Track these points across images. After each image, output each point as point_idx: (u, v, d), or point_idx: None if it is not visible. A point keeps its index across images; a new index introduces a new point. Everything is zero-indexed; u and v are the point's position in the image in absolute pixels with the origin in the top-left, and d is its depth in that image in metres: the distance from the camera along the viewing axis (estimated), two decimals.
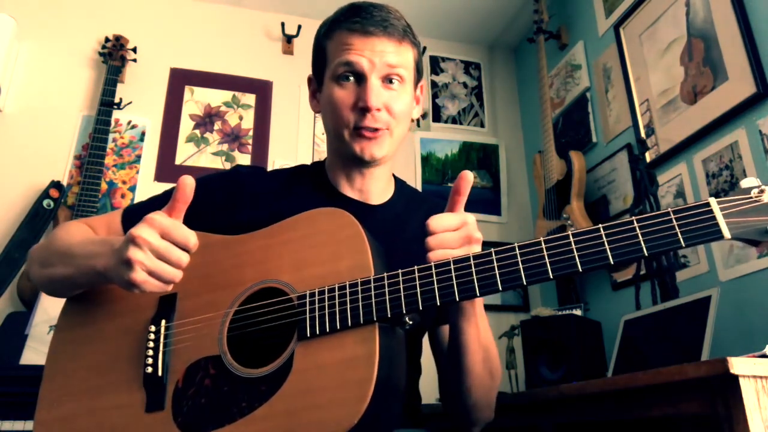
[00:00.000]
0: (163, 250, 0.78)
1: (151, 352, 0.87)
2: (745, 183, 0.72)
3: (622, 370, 1.63)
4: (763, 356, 0.99)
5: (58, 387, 0.92)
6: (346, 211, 0.86)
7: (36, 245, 1.04)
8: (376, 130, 0.98)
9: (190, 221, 0.98)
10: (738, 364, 0.91)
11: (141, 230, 0.78)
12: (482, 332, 0.91)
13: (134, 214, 1.04)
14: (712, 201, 0.70)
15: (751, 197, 0.70)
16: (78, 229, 1.00)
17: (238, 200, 1.02)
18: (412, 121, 1.11)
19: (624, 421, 1.48)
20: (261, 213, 0.96)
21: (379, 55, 0.97)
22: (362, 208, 1.04)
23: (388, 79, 0.99)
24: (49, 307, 1.92)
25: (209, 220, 0.99)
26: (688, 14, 1.97)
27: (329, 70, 1.01)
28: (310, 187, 1.07)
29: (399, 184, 1.14)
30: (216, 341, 0.85)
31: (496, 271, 0.74)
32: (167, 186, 1.11)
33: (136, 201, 2.21)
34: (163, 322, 0.89)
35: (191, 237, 0.80)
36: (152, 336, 0.88)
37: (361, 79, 0.98)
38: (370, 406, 0.70)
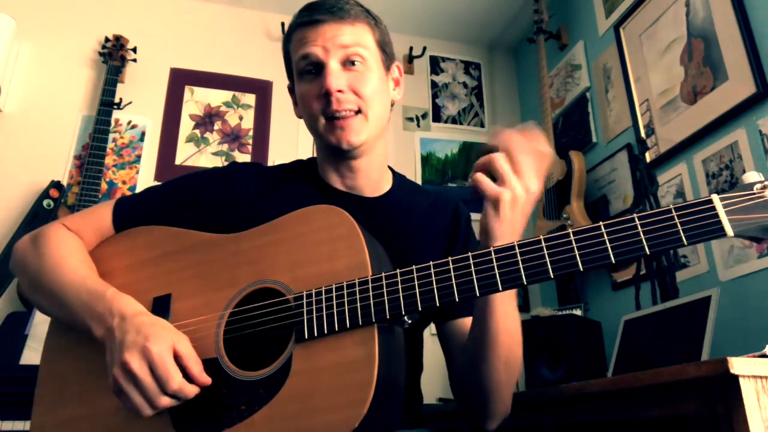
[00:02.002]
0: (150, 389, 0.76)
1: None
2: (748, 178, 0.69)
3: (622, 370, 1.63)
4: (763, 356, 0.99)
5: (53, 390, 0.90)
6: (341, 206, 0.84)
7: (22, 249, 0.98)
8: (345, 117, 0.96)
9: (183, 219, 0.98)
10: (738, 364, 0.90)
11: (133, 363, 0.76)
12: (508, 318, 0.86)
13: (127, 209, 1.02)
14: (715, 197, 0.68)
15: (755, 193, 0.68)
16: (66, 249, 0.95)
17: (231, 197, 1.00)
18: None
19: (624, 421, 1.48)
20: (253, 210, 0.95)
21: (332, 40, 0.96)
22: (357, 201, 1.02)
23: (349, 62, 0.97)
24: None
25: (202, 218, 0.98)
26: (688, 14, 1.97)
27: (294, 71, 1.02)
28: (303, 183, 1.05)
29: (398, 177, 1.11)
30: (212, 344, 0.83)
31: (496, 271, 0.73)
32: None
33: None
34: None
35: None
36: None
37: (320, 68, 0.97)
38: (371, 408, 0.70)
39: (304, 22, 0.99)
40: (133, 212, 1.02)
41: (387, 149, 1.08)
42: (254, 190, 1.01)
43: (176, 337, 0.80)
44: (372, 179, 1.05)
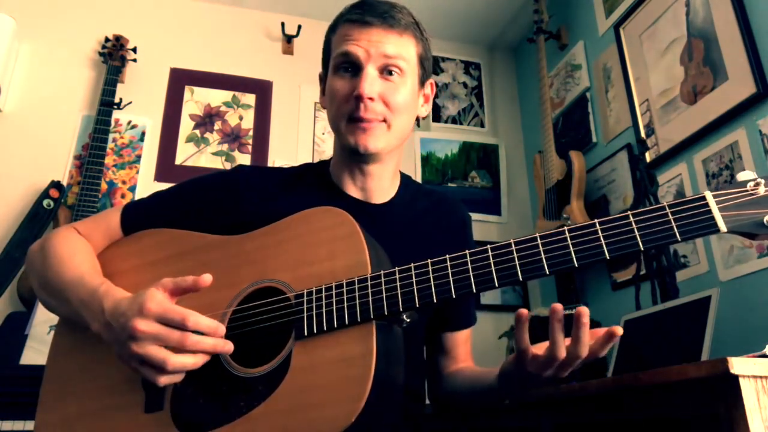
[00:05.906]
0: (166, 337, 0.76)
1: None
2: (741, 176, 0.72)
3: (622, 370, 1.63)
4: (763, 356, 0.99)
5: (58, 388, 0.92)
6: (346, 210, 0.85)
7: (34, 252, 1.01)
8: (369, 120, 0.96)
9: (189, 222, 0.99)
10: (738, 364, 0.90)
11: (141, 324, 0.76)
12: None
13: (135, 212, 1.04)
14: (708, 194, 0.70)
15: (748, 190, 0.70)
16: (71, 248, 0.97)
17: (237, 200, 1.01)
18: (421, 119, 1.09)
19: (624, 421, 1.48)
20: (260, 212, 0.95)
21: (376, 45, 0.96)
22: (364, 207, 1.02)
23: (386, 71, 0.97)
24: None
25: (208, 221, 0.99)
26: (688, 14, 1.97)
27: (330, 63, 1.01)
28: (313, 185, 1.06)
29: (404, 180, 1.12)
30: None
31: (492, 268, 0.74)
32: (167, 185, 1.11)
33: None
34: None
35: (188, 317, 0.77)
36: None
37: (358, 69, 0.96)
38: (367, 404, 0.70)
39: (354, 19, 0.98)
40: (140, 216, 1.03)
41: (401, 158, 1.10)
42: (261, 193, 1.02)
43: (161, 289, 0.80)
44: (383, 186, 1.06)
